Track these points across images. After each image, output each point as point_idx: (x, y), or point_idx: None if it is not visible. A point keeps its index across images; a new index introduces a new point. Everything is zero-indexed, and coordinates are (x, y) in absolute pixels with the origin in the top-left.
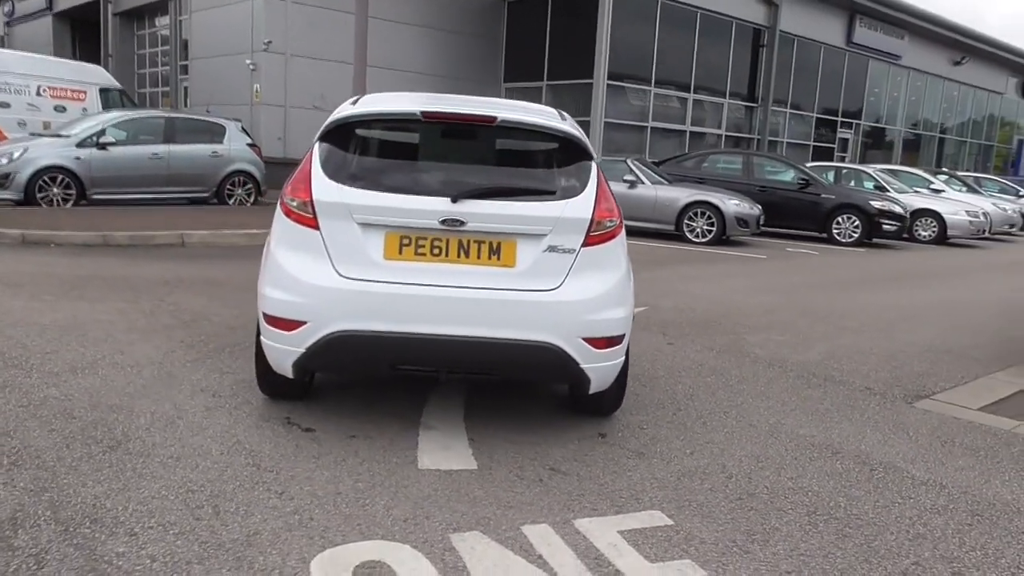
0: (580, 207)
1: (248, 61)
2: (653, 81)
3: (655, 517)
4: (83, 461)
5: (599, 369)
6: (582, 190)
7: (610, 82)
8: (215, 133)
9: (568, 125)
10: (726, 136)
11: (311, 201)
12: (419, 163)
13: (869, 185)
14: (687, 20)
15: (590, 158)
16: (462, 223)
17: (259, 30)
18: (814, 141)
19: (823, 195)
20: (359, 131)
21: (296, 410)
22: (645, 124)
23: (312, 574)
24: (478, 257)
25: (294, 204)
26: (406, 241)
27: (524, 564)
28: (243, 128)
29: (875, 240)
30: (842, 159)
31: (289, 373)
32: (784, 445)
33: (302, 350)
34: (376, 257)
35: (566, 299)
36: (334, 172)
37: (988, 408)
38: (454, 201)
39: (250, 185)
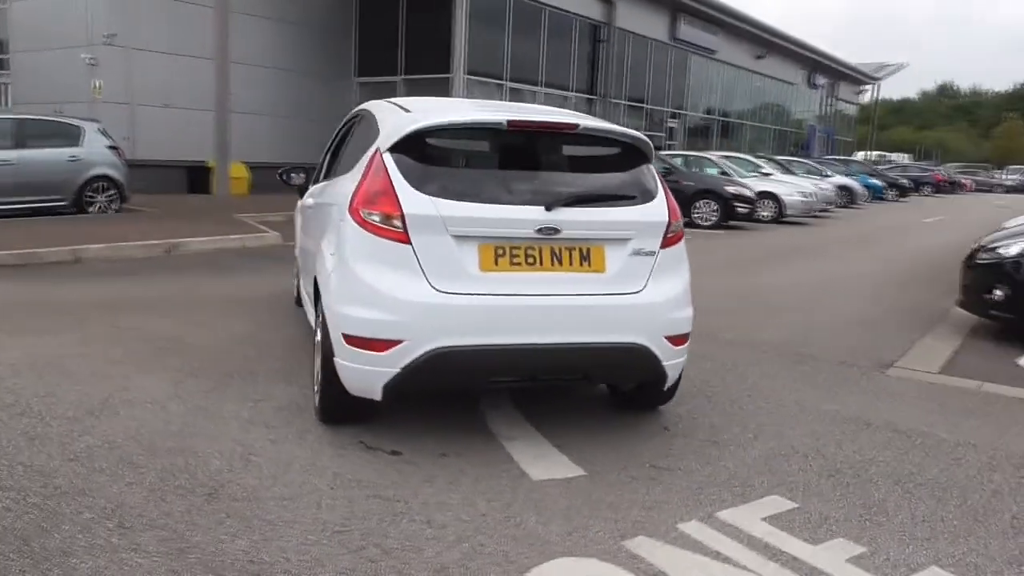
0: (657, 210)
1: (85, 55)
2: (507, 76)
3: (778, 502)
4: (195, 514)
5: (674, 365)
6: (655, 194)
7: (468, 76)
8: (70, 136)
9: (626, 129)
10: None
11: (402, 215)
12: (504, 172)
13: (714, 171)
14: (535, 16)
15: (649, 161)
16: (557, 231)
17: (98, 22)
18: (647, 131)
19: (684, 182)
20: (433, 140)
21: (362, 434)
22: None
23: None
24: (570, 264)
25: (377, 218)
26: (501, 252)
27: (714, 563)
28: (103, 130)
29: (730, 223)
30: (671, 147)
31: (376, 396)
32: (822, 421)
33: (396, 370)
34: (472, 269)
35: (650, 300)
36: (420, 184)
37: (945, 371)
38: (548, 209)
39: (113, 191)
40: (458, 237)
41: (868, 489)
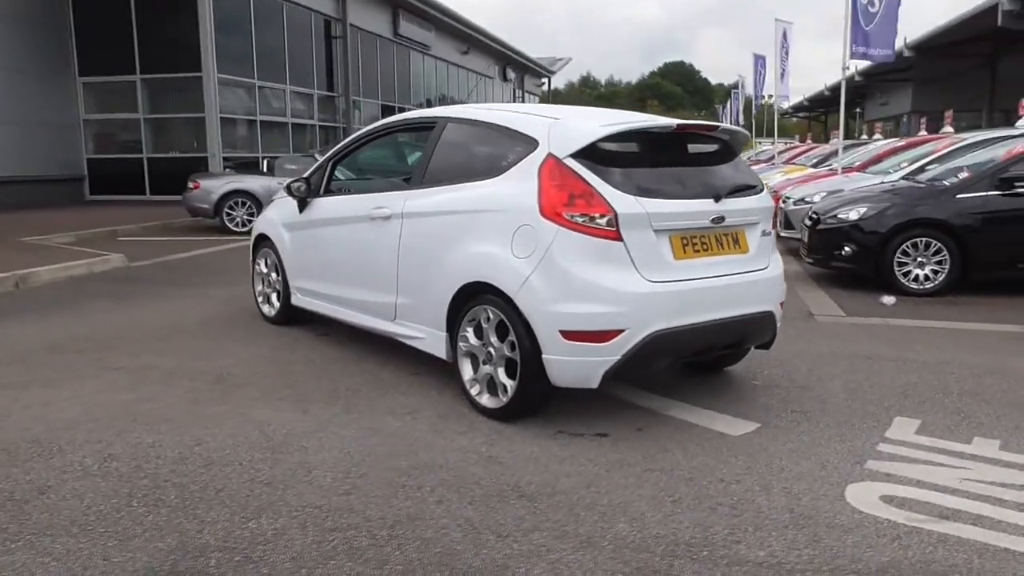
0: (768, 197)
1: None
2: (256, 74)
3: (907, 422)
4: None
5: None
6: (761, 184)
7: (220, 75)
8: None
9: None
10: (319, 126)
11: (615, 215)
12: (673, 170)
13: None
14: (275, 12)
15: (737, 155)
16: (723, 219)
17: None
18: None
19: None
20: (612, 145)
21: (550, 426)
22: (255, 118)
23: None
24: (729, 247)
25: (583, 219)
26: (685, 241)
27: (930, 467)
28: None
29: None
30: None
31: (592, 384)
32: (838, 360)
33: (617, 358)
34: (669, 259)
35: (774, 274)
36: (618, 185)
37: (849, 314)
38: (717, 200)
39: None
40: (657, 231)
41: (942, 402)
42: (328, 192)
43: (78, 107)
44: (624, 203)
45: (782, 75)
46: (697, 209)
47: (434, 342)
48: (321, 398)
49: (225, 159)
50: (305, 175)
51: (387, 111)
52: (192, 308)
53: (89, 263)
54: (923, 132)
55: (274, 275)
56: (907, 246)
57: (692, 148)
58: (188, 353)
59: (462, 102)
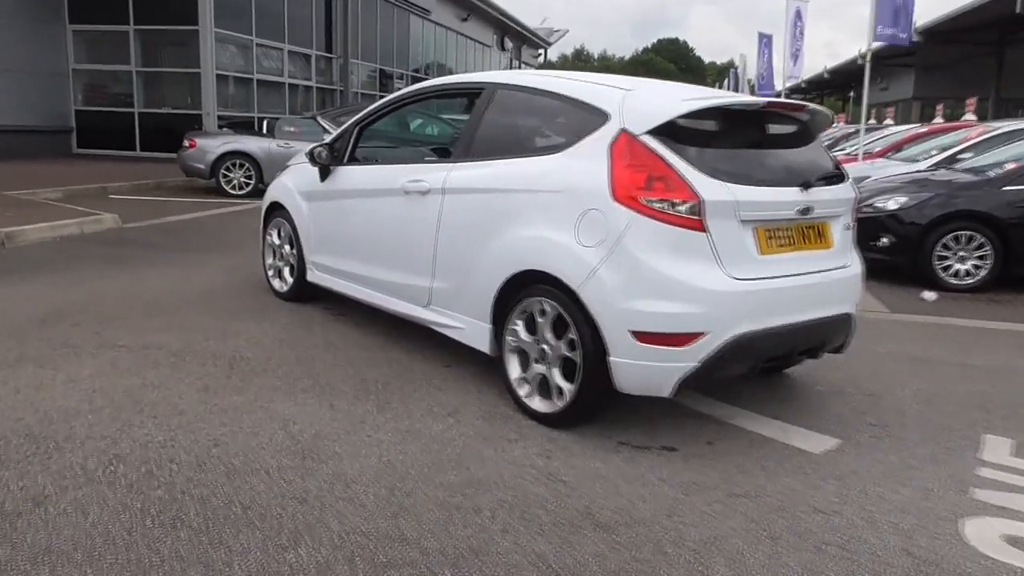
0: (852, 187)
1: None
2: (254, 31)
3: (997, 441)
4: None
5: None
6: (846, 171)
7: (217, 30)
8: None
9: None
10: (316, 87)
11: (700, 202)
12: (757, 153)
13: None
14: None
15: (816, 138)
16: (810, 210)
17: None
18: (380, 92)
19: None
20: (693, 123)
21: (609, 436)
22: (251, 76)
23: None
24: (812, 242)
25: (664, 205)
26: (771, 234)
27: None
28: None
29: None
30: None
31: (666, 392)
32: (899, 362)
33: (695, 364)
34: (754, 253)
35: (855, 272)
36: (703, 168)
37: (894, 310)
38: (804, 189)
39: None
40: (743, 222)
41: None
42: (353, 160)
43: (67, 56)
44: (710, 188)
45: (795, 57)
46: (785, 198)
47: (475, 334)
48: (348, 391)
49: (220, 118)
50: (328, 140)
51: (384, 76)
52: (195, 277)
53: (80, 223)
54: (939, 119)
55: (288, 247)
56: (948, 239)
57: (772, 129)
58: (195, 330)
59: (458, 71)
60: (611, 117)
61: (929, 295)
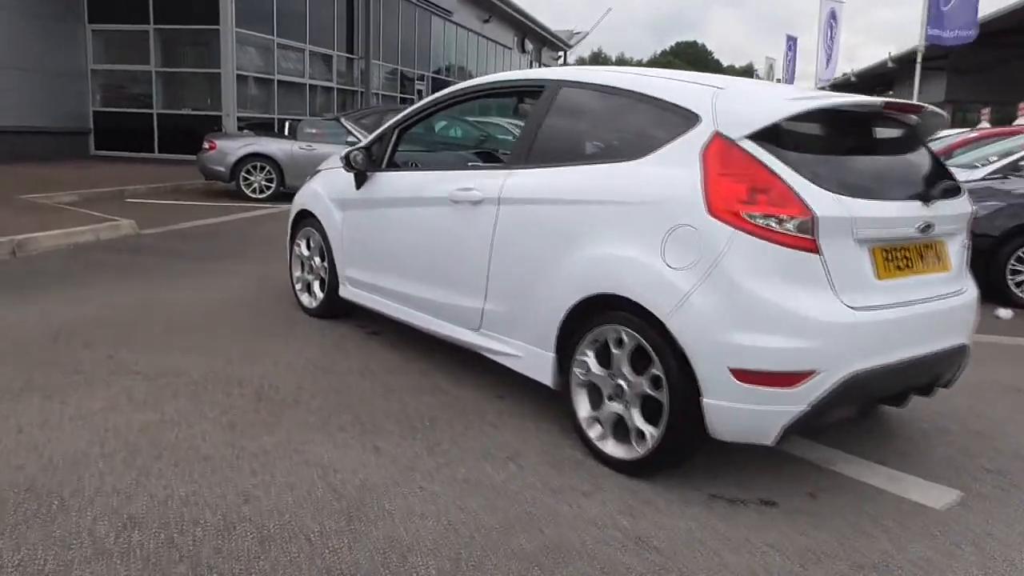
0: (967, 201)
1: None
2: (275, 31)
3: None
4: None
5: None
6: (961, 184)
7: (239, 30)
8: None
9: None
10: (337, 89)
11: (813, 218)
12: (868, 162)
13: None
14: None
15: (925, 144)
16: (931, 227)
17: None
18: (400, 93)
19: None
20: (801, 127)
21: (685, 479)
22: (272, 77)
23: None
24: (930, 264)
25: (771, 221)
26: (888, 255)
27: None
28: None
29: None
30: None
31: (769, 439)
32: (1021, 398)
33: (804, 407)
34: (871, 278)
35: (972, 298)
36: (816, 180)
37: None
38: (926, 204)
39: None
40: (859, 241)
41: None
42: (393, 166)
43: (86, 56)
44: (823, 203)
45: (827, 60)
46: (906, 214)
47: (535, 363)
48: (392, 428)
49: (240, 119)
50: (364, 144)
51: (405, 78)
52: (215, 290)
53: (95, 229)
54: (985, 124)
55: (318, 260)
56: (1022, 251)
57: (880, 133)
58: (217, 352)
59: (478, 74)
60: (701, 119)
61: (1004, 313)
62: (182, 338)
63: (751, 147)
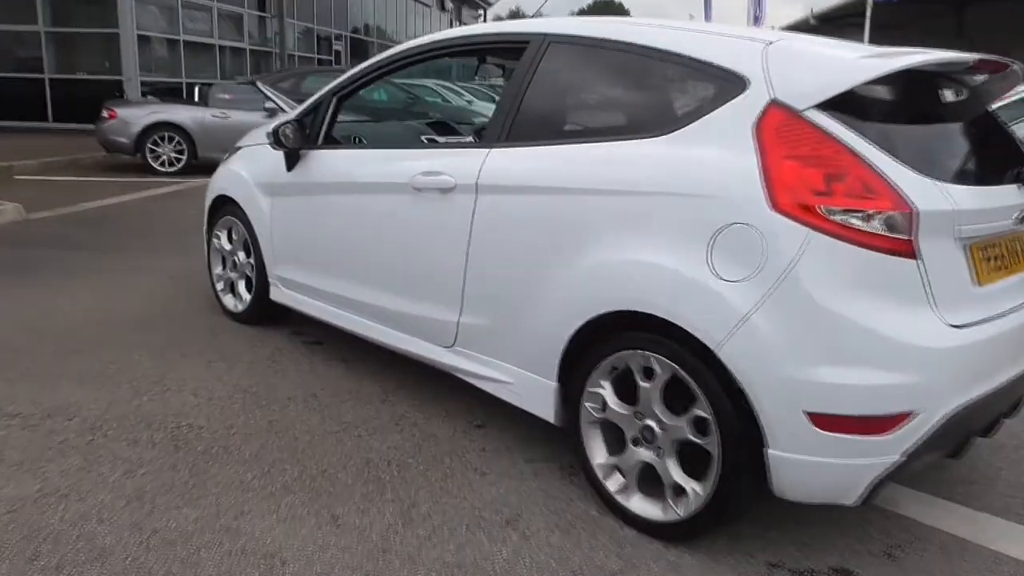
0: None
1: None
2: None
3: None
4: None
5: None
6: None
7: None
8: None
9: None
10: (250, 50)
11: (913, 213)
12: (953, 134)
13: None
14: None
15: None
16: None
17: None
18: (318, 55)
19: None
20: (879, 93)
21: (733, 540)
22: (177, 37)
23: None
24: (1021, 259)
25: (857, 218)
26: (985, 253)
27: None
28: None
29: None
30: (340, 71)
31: (851, 499)
32: None
33: (897, 458)
34: (969, 284)
35: None
36: (908, 162)
37: None
38: (1022, 186)
39: None
40: (959, 240)
41: None
42: (331, 142)
43: None
44: (924, 193)
45: (756, 19)
46: (1007, 202)
47: (530, 393)
48: (353, 484)
49: (144, 84)
50: (295, 115)
51: (321, 39)
52: (119, 293)
53: None
54: None
55: (242, 255)
56: None
57: (948, 97)
58: (121, 380)
59: (399, 34)
60: (749, 83)
61: None
62: (76, 362)
63: (823, 120)
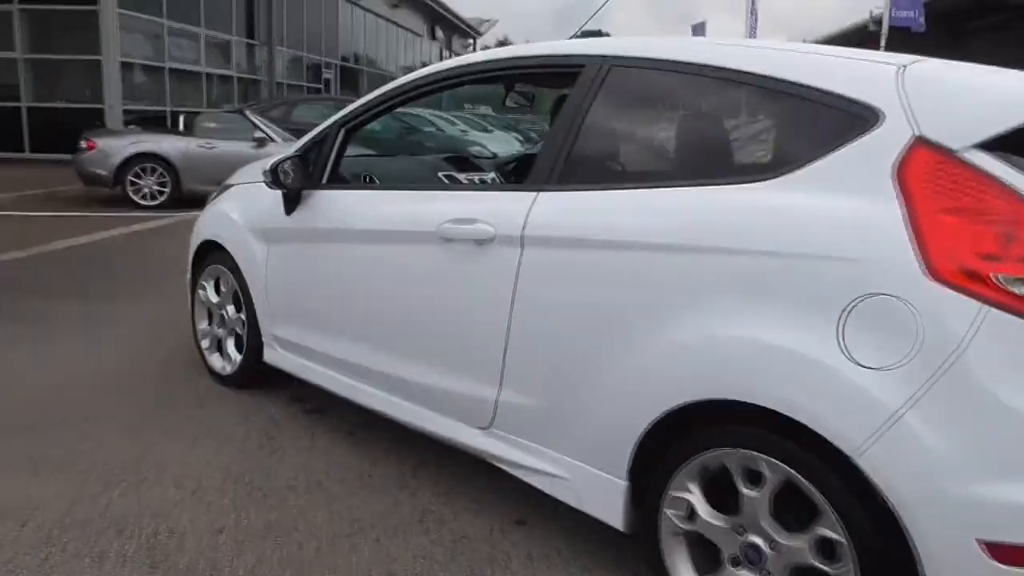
0: None
1: None
2: (165, 13)
3: None
4: None
5: None
6: None
7: (121, 11)
8: None
9: None
10: (238, 78)
11: None
12: None
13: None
14: None
15: None
16: None
17: None
18: (308, 83)
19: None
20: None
21: None
22: (163, 65)
23: None
24: None
25: None
26: None
27: None
28: None
29: None
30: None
31: None
32: None
33: None
34: None
35: None
36: None
37: None
38: None
39: None
40: None
41: None
42: (337, 180)
43: None
44: None
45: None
46: None
47: (592, 491)
48: None
49: (126, 112)
50: (296, 150)
51: (311, 67)
52: (90, 346)
53: None
54: None
55: (231, 309)
56: None
57: None
58: (85, 467)
59: (389, 61)
60: (883, 115)
61: None
62: (32, 443)
63: (988, 163)
